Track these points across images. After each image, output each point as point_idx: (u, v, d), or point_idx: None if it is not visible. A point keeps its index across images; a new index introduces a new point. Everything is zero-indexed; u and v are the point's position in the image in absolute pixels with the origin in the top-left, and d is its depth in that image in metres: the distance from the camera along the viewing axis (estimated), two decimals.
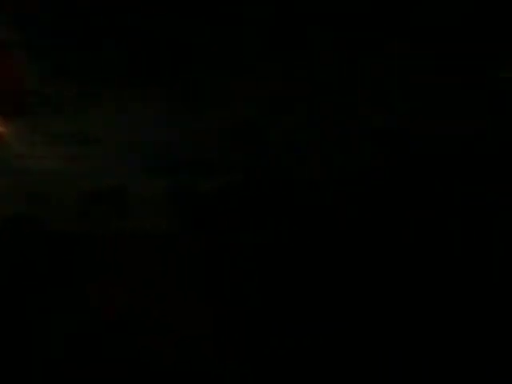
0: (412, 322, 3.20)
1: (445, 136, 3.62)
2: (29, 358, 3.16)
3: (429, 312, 3.20)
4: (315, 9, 3.43)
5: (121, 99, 3.63)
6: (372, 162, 3.65)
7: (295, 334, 3.21)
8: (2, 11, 3.22)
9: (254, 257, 3.40)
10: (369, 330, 3.24)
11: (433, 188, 3.50)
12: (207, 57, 3.64)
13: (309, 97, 3.68)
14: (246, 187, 3.60)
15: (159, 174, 3.69)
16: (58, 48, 3.44)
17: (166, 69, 3.63)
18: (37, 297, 3.32)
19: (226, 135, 3.70)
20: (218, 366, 3.17)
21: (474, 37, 3.52)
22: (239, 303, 3.30)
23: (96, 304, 3.29)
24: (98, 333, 3.22)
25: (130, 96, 3.65)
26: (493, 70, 3.53)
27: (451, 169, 3.55)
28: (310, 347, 3.18)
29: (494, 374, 3.03)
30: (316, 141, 3.68)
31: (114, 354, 3.19)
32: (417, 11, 3.44)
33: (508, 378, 3.03)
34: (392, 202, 3.52)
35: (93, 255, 3.42)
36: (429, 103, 3.62)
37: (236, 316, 3.28)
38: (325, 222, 3.50)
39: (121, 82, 3.61)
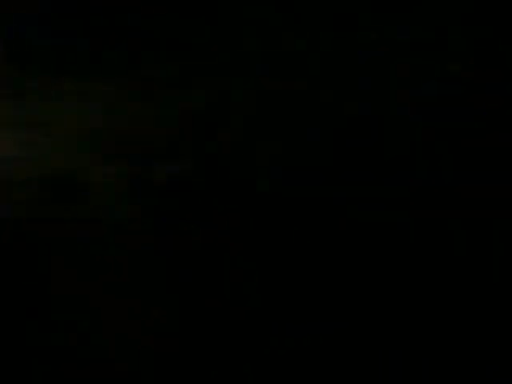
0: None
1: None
2: None
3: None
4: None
5: (74, 87, 3.64)
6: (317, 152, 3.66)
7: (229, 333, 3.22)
8: None
9: (206, 244, 3.39)
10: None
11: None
12: (161, 45, 3.67)
13: (264, 87, 3.72)
14: (198, 175, 3.59)
15: (111, 161, 3.67)
16: (18, 35, 3.47)
17: (121, 57, 3.65)
18: None
19: (179, 123, 3.70)
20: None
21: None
22: (193, 291, 3.30)
23: (52, 293, 3.28)
24: (55, 323, 3.21)
25: (84, 84, 3.66)
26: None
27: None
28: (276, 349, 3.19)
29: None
30: (269, 131, 3.71)
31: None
32: None
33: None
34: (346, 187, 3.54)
35: (45, 242, 3.40)
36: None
37: (189, 305, 3.27)
38: (275, 212, 3.50)
39: (76, 71, 3.63)
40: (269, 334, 3.23)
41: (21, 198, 3.53)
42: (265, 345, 3.20)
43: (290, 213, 3.48)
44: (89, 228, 3.45)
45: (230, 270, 3.35)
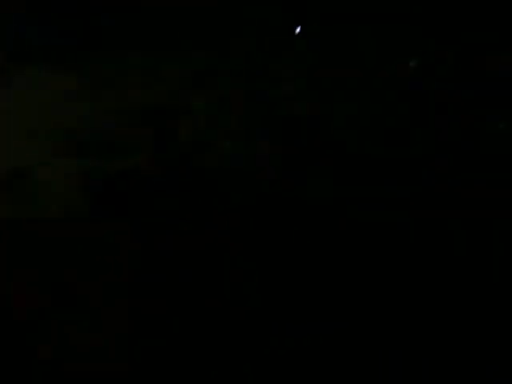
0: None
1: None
2: None
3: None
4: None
5: (29, 78, 3.63)
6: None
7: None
8: None
9: (165, 239, 3.39)
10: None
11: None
12: (120, 39, 3.69)
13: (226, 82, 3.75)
14: (155, 169, 3.59)
15: (67, 156, 3.66)
16: None
17: (78, 48, 3.65)
18: None
19: (136, 116, 3.71)
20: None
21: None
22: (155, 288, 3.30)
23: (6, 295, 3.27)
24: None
25: (39, 76, 3.65)
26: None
27: None
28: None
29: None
30: (227, 126, 3.73)
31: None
32: None
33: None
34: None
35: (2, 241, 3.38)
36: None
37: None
38: (236, 207, 3.51)
39: (31, 60, 3.62)
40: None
41: None
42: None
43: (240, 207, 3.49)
44: (38, 226, 3.43)
45: (183, 264, 3.34)
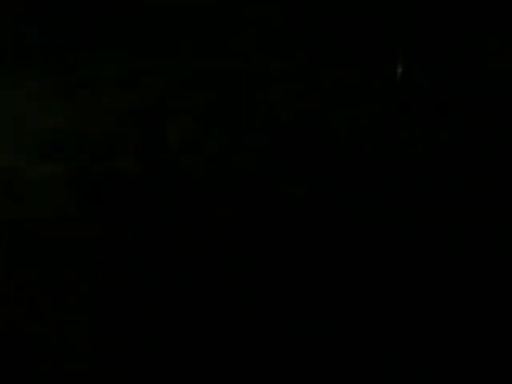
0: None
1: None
2: None
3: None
4: None
5: (9, 80, 3.64)
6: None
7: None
8: None
9: (151, 241, 3.39)
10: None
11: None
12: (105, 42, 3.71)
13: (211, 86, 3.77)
14: (139, 172, 3.60)
15: (50, 159, 3.65)
16: None
17: (57, 51, 3.66)
18: None
19: (120, 120, 3.72)
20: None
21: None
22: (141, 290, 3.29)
23: None
24: None
25: (18, 79, 3.66)
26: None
27: None
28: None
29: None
30: (214, 131, 3.75)
31: None
32: None
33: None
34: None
35: None
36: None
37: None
38: (225, 209, 3.51)
39: (10, 62, 3.63)
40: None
41: None
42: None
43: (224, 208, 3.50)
44: (26, 227, 3.43)
45: (167, 263, 3.34)
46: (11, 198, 3.53)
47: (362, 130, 3.76)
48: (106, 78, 3.78)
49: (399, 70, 3.86)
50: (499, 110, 3.72)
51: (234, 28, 3.90)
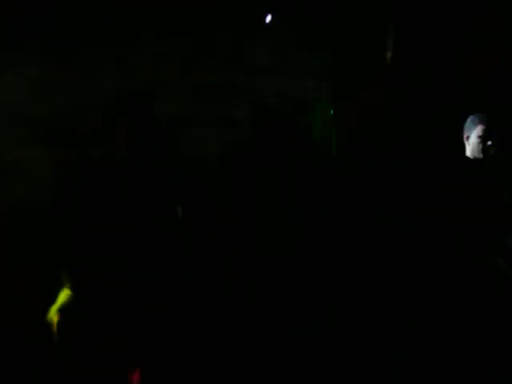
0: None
1: None
2: None
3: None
4: None
5: (4, 67, 3.64)
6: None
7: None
8: None
9: (132, 226, 3.37)
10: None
11: None
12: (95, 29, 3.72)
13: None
14: (130, 156, 3.60)
15: (42, 144, 3.66)
16: None
17: (51, 35, 3.67)
18: None
19: (110, 106, 3.73)
20: None
21: None
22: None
23: None
24: None
25: (13, 61, 3.66)
26: None
27: None
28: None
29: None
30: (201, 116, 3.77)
31: None
32: None
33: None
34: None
35: None
36: None
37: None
38: (214, 197, 3.51)
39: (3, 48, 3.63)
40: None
41: None
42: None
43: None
44: (14, 212, 3.43)
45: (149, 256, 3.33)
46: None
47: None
48: (93, 66, 3.80)
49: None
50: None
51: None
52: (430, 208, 3.33)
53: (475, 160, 3.40)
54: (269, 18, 3.80)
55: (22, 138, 3.66)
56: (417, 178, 3.51)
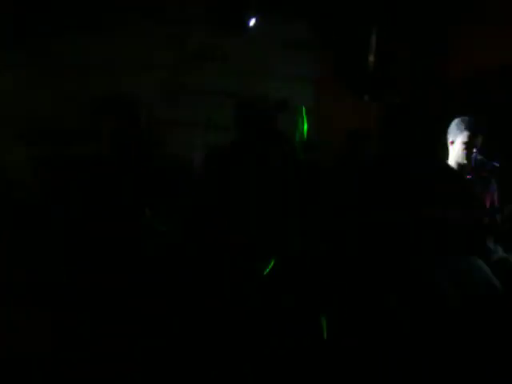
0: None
1: None
2: None
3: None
4: None
5: None
6: None
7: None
8: None
9: (116, 224, 3.37)
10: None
11: None
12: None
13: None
14: (114, 155, 3.59)
15: (22, 143, 3.65)
16: None
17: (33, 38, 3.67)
18: None
19: (90, 105, 3.73)
20: None
21: None
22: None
23: None
24: None
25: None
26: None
27: None
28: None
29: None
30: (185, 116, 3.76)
31: None
32: None
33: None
34: None
35: None
36: None
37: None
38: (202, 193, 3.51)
39: None
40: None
41: None
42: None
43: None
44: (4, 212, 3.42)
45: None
46: None
47: None
48: (78, 65, 3.80)
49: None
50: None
51: None
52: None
53: (458, 166, 3.39)
54: (252, 21, 3.80)
55: (8, 136, 3.67)
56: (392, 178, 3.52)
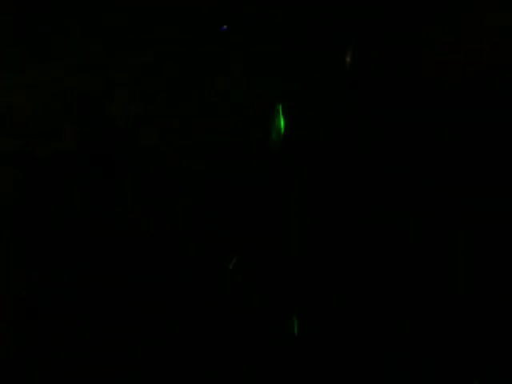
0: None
1: None
2: None
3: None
4: None
5: None
6: None
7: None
8: None
9: (95, 221, 3.37)
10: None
11: None
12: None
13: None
14: (84, 152, 3.58)
15: None
16: None
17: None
18: None
19: (61, 101, 3.72)
20: None
21: None
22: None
23: None
24: None
25: None
26: None
27: None
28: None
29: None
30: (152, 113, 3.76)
31: None
32: None
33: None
34: None
35: None
36: None
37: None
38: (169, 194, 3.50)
39: None
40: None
41: None
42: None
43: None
44: None
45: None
46: None
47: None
48: (51, 60, 3.79)
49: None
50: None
51: None
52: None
53: None
54: (224, 27, 3.79)
55: None
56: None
